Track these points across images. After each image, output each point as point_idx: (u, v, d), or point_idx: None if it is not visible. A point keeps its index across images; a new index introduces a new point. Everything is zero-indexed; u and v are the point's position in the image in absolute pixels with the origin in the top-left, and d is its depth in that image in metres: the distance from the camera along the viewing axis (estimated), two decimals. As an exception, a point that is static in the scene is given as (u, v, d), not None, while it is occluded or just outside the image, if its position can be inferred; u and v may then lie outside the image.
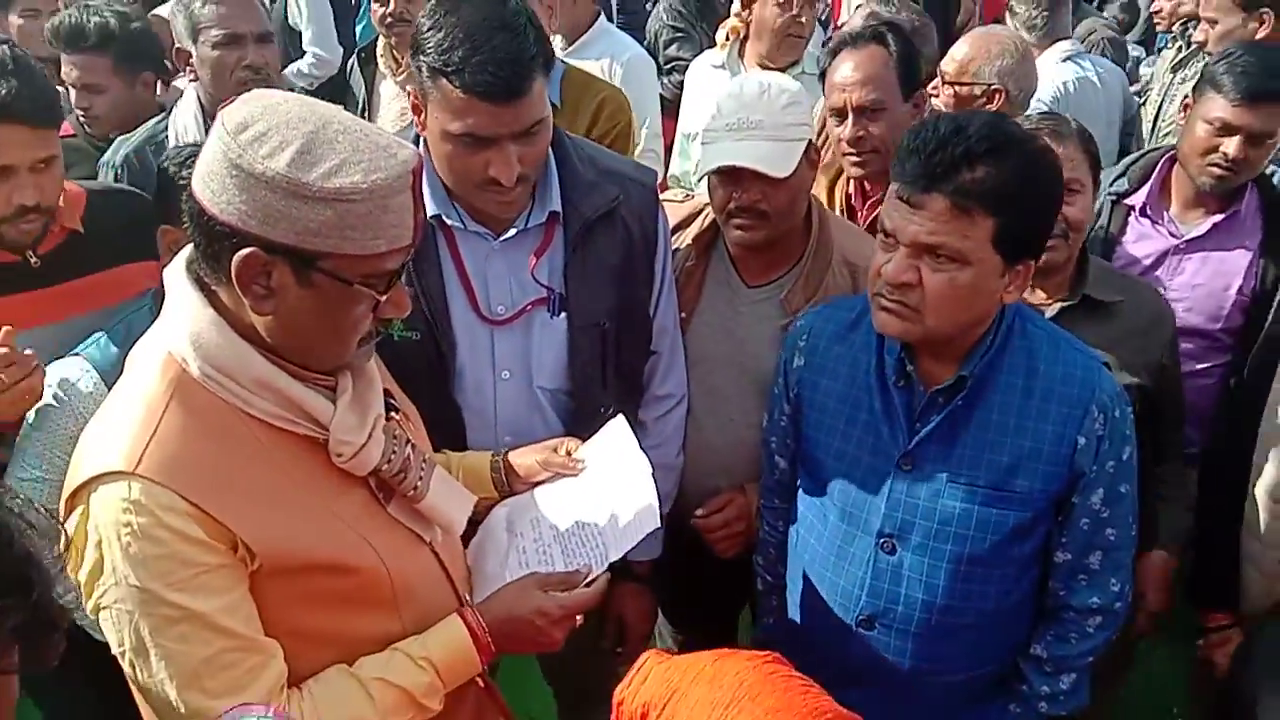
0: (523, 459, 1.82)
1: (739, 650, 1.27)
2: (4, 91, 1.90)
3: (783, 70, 3.43)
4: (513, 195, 1.82)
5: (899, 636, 1.81)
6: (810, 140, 2.09)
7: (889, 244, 1.67)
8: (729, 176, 2.03)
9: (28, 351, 1.82)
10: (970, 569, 1.76)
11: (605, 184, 1.97)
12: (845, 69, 2.50)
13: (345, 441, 1.39)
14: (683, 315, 2.20)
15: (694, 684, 1.16)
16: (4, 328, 1.79)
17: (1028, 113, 2.75)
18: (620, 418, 1.87)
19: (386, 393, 1.51)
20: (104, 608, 1.31)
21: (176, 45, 2.80)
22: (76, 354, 1.93)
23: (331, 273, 1.28)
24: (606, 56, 3.70)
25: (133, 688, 1.39)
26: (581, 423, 2.00)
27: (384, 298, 1.34)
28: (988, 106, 2.92)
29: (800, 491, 1.97)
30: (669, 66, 4.57)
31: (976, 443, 1.73)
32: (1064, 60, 3.75)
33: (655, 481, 1.70)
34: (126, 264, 2.21)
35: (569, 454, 1.81)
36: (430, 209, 1.85)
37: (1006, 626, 1.84)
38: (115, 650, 1.34)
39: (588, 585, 1.60)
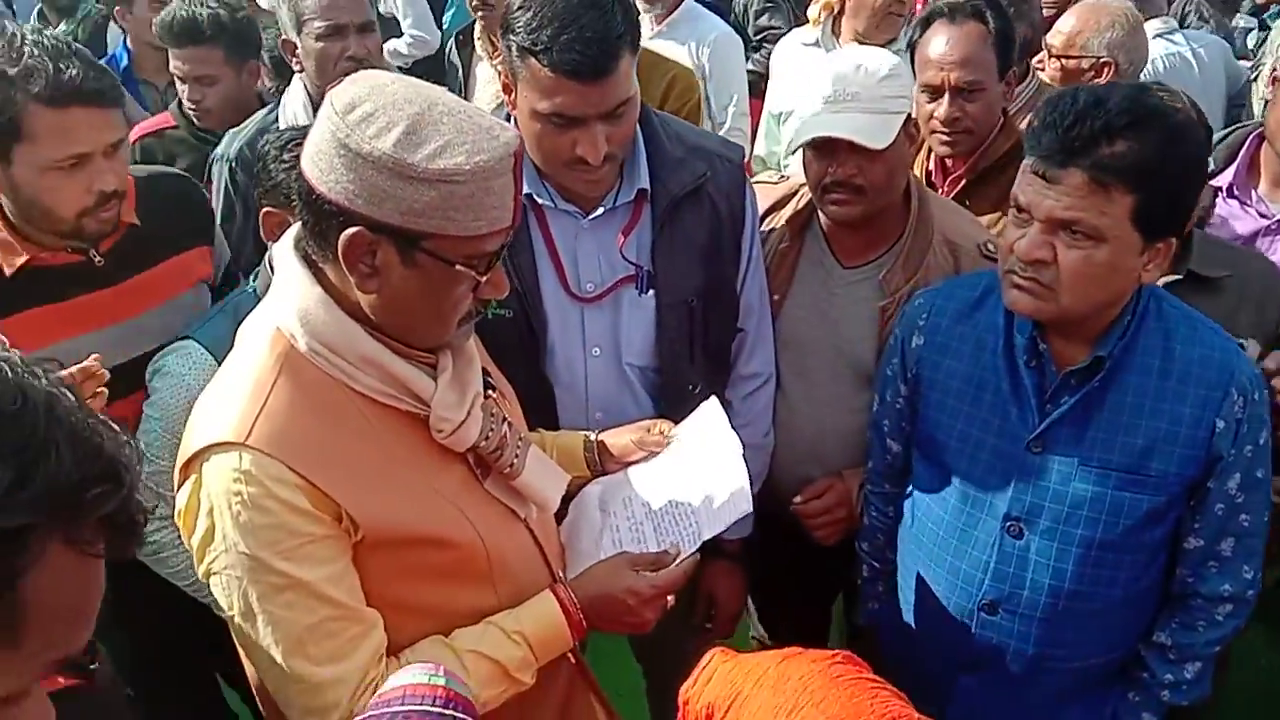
0: (616, 439, 1.83)
1: (807, 650, 1.25)
2: (74, 72, 1.82)
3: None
4: (600, 174, 1.84)
5: (1023, 622, 1.78)
6: (910, 114, 2.04)
7: (1022, 219, 1.62)
8: (824, 150, 2.00)
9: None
10: (1101, 554, 1.72)
11: (693, 160, 1.97)
12: (943, 45, 2.44)
13: (445, 418, 1.41)
14: (775, 298, 2.18)
15: (757, 687, 1.15)
16: (93, 355, 1.74)
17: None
18: (713, 399, 1.86)
19: (484, 372, 1.53)
20: (214, 573, 1.36)
21: (283, 36, 2.80)
22: (188, 336, 1.97)
23: (434, 253, 1.29)
24: (693, 38, 3.66)
25: (240, 651, 1.45)
26: (670, 400, 2.02)
27: (484, 279, 1.36)
28: (1096, 80, 2.85)
29: (916, 474, 1.94)
30: (759, 38, 4.54)
31: (1110, 425, 1.69)
32: (1155, 38, 3.64)
33: (745, 462, 1.69)
34: (183, 252, 2.19)
35: (662, 434, 1.81)
36: (522, 187, 1.88)
37: (1133, 613, 1.80)
38: (225, 614, 1.39)
39: (678, 565, 1.59)
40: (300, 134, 1.84)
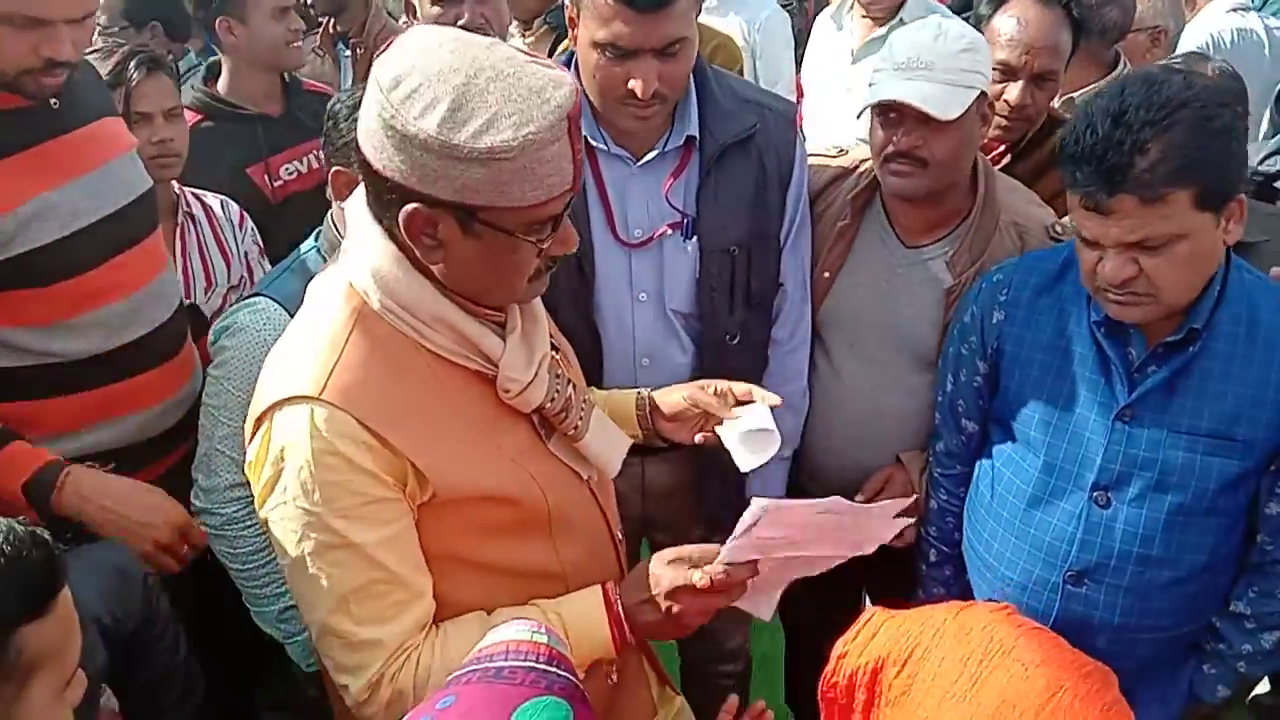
0: (668, 396, 1.79)
1: (976, 603, 1.22)
2: None
3: (882, 23, 3.40)
4: (650, 112, 1.86)
5: (1109, 592, 1.79)
6: (984, 92, 1.99)
7: (1094, 246, 1.64)
8: (890, 118, 1.97)
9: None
10: (1188, 520, 1.74)
11: (744, 112, 2.00)
12: (1031, 27, 2.33)
13: (513, 379, 1.41)
14: (826, 274, 2.16)
15: (937, 637, 1.11)
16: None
17: (1172, 57, 2.72)
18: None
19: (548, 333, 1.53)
20: (273, 521, 1.38)
21: None
22: (261, 293, 1.94)
23: (493, 224, 1.27)
24: (744, 15, 3.65)
25: (292, 595, 1.48)
26: (711, 348, 2.07)
27: (546, 242, 1.33)
28: (1153, 50, 2.88)
29: (994, 450, 1.95)
30: None
31: (1199, 392, 1.71)
32: (1229, 11, 3.65)
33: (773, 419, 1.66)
34: (113, 116, 2.14)
35: (716, 392, 1.74)
36: None
37: (1215, 581, 1.82)
38: (280, 560, 1.41)
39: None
40: None
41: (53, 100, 1.93)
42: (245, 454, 1.43)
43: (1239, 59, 3.39)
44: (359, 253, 1.38)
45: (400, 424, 1.33)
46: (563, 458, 1.52)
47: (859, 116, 2.07)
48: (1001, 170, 2.37)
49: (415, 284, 1.35)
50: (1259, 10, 3.90)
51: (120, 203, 2.02)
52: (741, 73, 3.15)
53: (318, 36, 3.74)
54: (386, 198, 1.29)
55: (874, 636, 1.14)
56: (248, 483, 1.79)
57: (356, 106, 1.82)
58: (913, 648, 1.08)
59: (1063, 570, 1.81)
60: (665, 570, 1.44)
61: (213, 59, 3.09)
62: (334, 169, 1.92)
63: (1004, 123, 2.41)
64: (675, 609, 1.43)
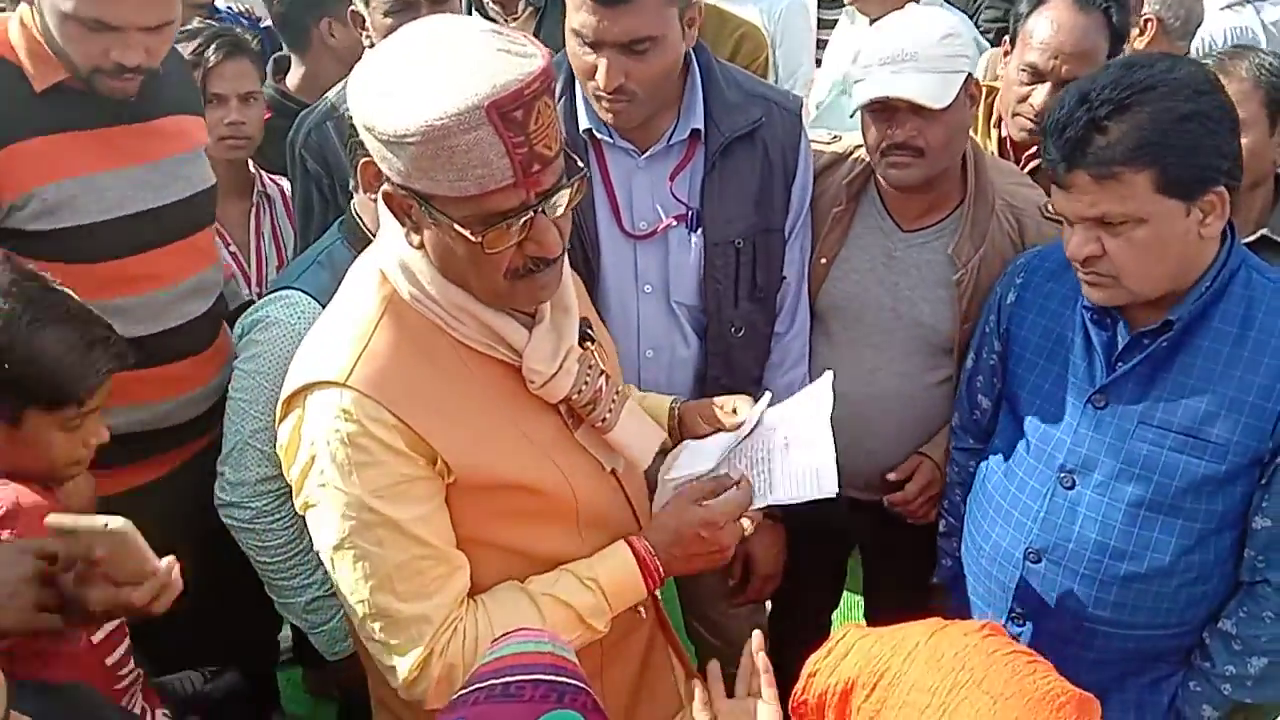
0: (691, 412, 1.83)
1: (952, 622, 1.17)
2: None
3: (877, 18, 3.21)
4: (619, 107, 1.86)
5: (1066, 575, 1.79)
6: (970, 73, 1.99)
7: (1065, 219, 1.68)
8: (882, 112, 1.98)
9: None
10: (1149, 515, 1.72)
11: (749, 106, 2.00)
12: (1067, 32, 2.28)
13: (537, 370, 1.43)
14: (822, 260, 2.17)
15: (908, 662, 1.07)
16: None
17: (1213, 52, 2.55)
18: (829, 375, 1.80)
19: (585, 321, 1.54)
20: (311, 506, 1.41)
21: (352, 7, 2.56)
22: (292, 286, 1.96)
23: (442, 212, 1.27)
24: (760, 5, 3.55)
25: (333, 585, 1.47)
26: (715, 341, 2.09)
27: (488, 237, 1.28)
28: (1139, 38, 2.68)
29: (999, 428, 1.99)
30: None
31: (1176, 386, 1.69)
32: (1223, 9, 3.37)
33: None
34: (188, 114, 2.18)
35: (734, 412, 1.77)
36: (583, 122, 1.97)
37: (1187, 588, 1.76)
38: (318, 547, 1.43)
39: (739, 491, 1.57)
40: None
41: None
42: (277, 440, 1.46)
43: (1238, 55, 3.12)
44: (388, 241, 1.41)
45: (425, 411, 1.35)
46: (589, 448, 1.54)
47: (851, 116, 2.09)
48: (1028, 172, 2.34)
49: (435, 274, 1.37)
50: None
51: (170, 198, 2.08)
52: (766, 62, 3.06)
53: None
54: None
55: (845, 656, 1.11)
56: (278, 475, 1.77)
57: None
58: (883, 671, 1.06)
59: (1023, 546, 1.83)
60: (687, 510, 1.54)
61: (279, 54, 3.13)
62: (363, 160, 1.99)
63: (1030, 125, 2.35)
64: (703, 540, 1.52)
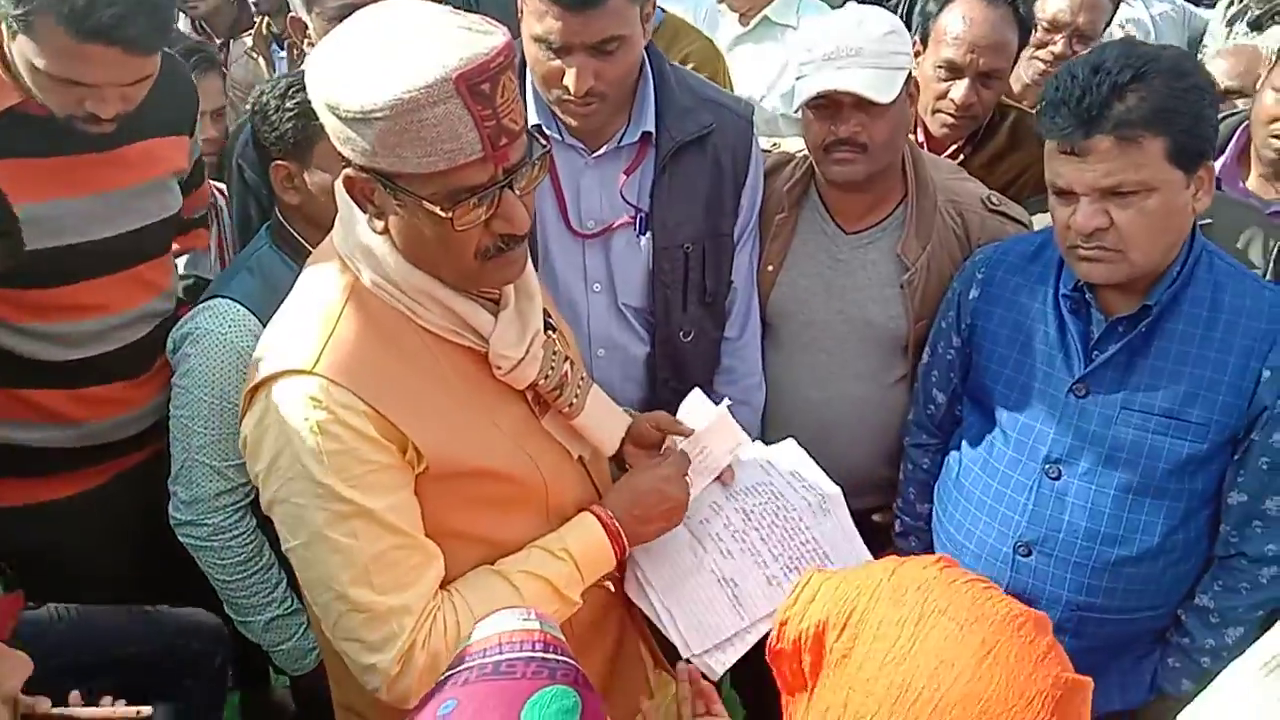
0: (639, 423, 1.76)
1: (908, 557, 1.22)
2: (115, 10, 1.66)
3: (746, 20, 3.29)
4: (588, 110, 1.85)
5: (1058, 565, 1.81)
6: (910, 72, 2.00)
7: (1067, 198, 1.68)
8: (826, 108, 1.98)
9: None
10: (1137, 499, 1.75)
11: (700, 111, 2.00)
12: (978, 26, 2.33)
13: (503, 355, 1.41)
14: (769, 268, 2.16)
15: (874, 600, 1.09)
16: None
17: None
18: (695, 392, 1.83)
19: (544, 311, 1.54)
20: (280, 501, 1.35)
21: (292, 14, 2.54)
22: (220, 295, 1.91)
23: (409, 191, 1.25)
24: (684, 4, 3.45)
25: (302, 587, 1.43)
26: (664, 344, 2.07)
27: (467, 214, 1.27)
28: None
29: (965, 425, 1.99)
30: None
31: (1154, 371, 1.73)
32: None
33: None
34: (168, 136, 2.09)
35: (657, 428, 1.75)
36: (532, 118, 1.94)
37: (1172, 568, 1.81)
38: (287, 546, 1.38)
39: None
40: (297, 79, 1.87)
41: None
42: (229, 454, 1.44)
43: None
44: (348, 229, 1.38)
45: (394, 398, 1.33)
46: (556, 435, 1.53)
47: (796, 111, 2.07)
48: (959, 165, 2.38)
49: (400, 259, 1.35)
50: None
51: (116, 229, 1.98)
52: (719, 74, 2.99)
53: (250, 37, 3.75)
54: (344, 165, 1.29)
55: (813, 600, 1.13)
56: (232, 489, 1.89)
57: (286, 94, 1.88)
58: (851, 610, 1.08)
59: (1013, 540, 1.84)
60: (641, 472, 1.60)
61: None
62: (273, 163, 1.91)
63: (951, 120, 2.40)
64: (660, 495, 1.57)
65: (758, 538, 1.67)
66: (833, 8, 3.33)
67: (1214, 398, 1.70)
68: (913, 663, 0.99)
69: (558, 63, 1.79)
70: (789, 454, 1.79)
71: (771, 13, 3.29)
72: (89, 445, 2.06)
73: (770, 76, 3.24)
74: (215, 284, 2.01)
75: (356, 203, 1.32)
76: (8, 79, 1.82)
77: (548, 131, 1.96)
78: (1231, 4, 3.92)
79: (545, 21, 1.75)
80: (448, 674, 1.07)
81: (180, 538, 1.95)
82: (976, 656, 0.98)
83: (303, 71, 1.89)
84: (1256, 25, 3.80)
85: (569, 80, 1.78)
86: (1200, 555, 1.83)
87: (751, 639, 1.61)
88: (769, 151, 2.24)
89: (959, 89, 2.36)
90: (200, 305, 1.92)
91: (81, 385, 2.01)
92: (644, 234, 2.01)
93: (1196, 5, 4.33)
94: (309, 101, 1.78)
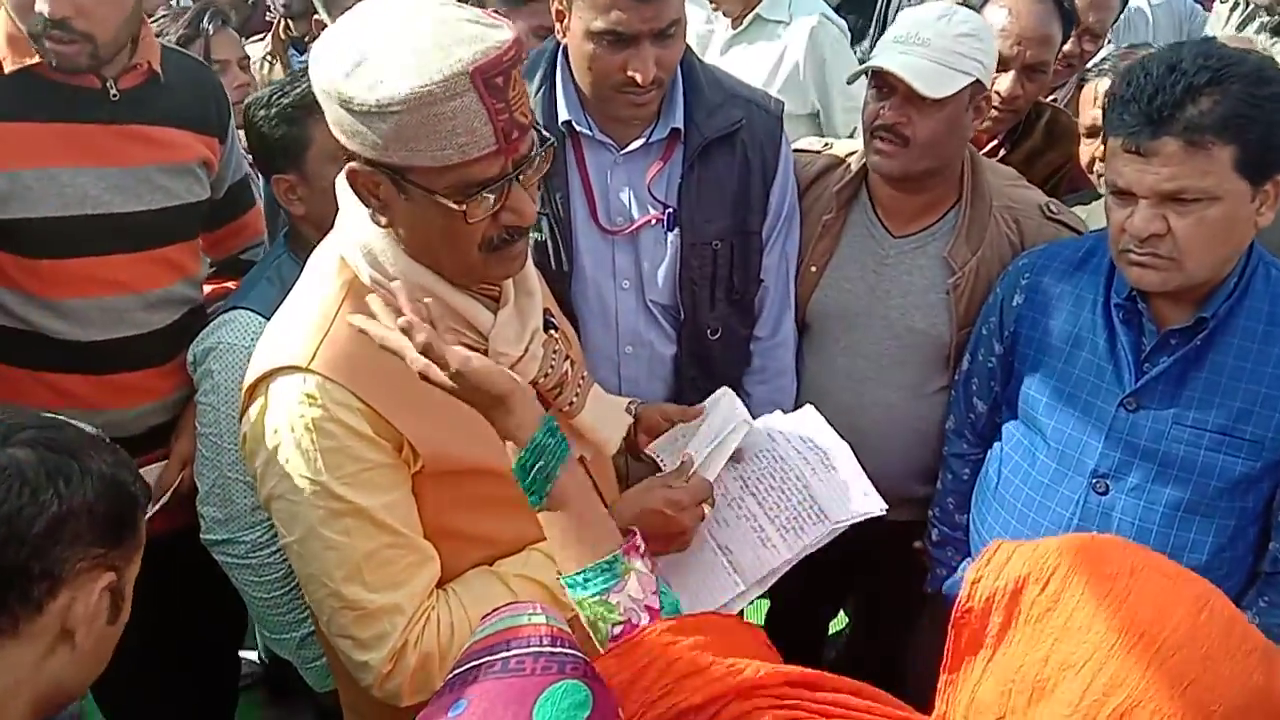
0: (650, 413, 1.79)
1: (1095, 534, 1.19)
2: None
3: (737, 21, 3.24)
4: (646, 98, 1.87)
5: (1103, 582, 1.77)
6: (980, 81, 1.95)
7: (1125, 199, 1.62)
8: (880, 89, 1.97)
9: None
10: (1187, 516, 1.71)
11: (730, 107, 1.99)
12: (1026, 18, 2.32)
13: (502, 352, 1.39)
14: (813, 269, 2.14)
15: (1077, 558, 1.09)
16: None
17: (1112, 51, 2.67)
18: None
19: (545, 310, 1.52)
20: (276, 497, 1.36)
21: (316, 16, 2.67)
22: (236, 306, 1.91)
23: (419, 184, 1.24)
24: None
25: (300, 580, 1.44)
26: (691, 341, 2.07)
27: (477, 206, 1.26)
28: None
29: (1006, 434, 1.95)
30: None
31: (1208, 385, 1.68)
32: None
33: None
34: (197, 131, 2.09)
35: (665, 417, 1.77)
36: (562, 114, 1.94)
37: (1219, 585, 1.76)
38: (283, 542, 1.40)
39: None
40: (278, 88, 1.87)
41: (112, 91, 1.92)
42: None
43: (1127, 37, 3.36)
44: (348, 227, 1.38)
45: (390, 396, 1.32)
46: None
47: (851, 82, 2.08)
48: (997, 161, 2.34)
49: (400, 256, 1.34)
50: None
51: (142, 206, 1.97)
52: None
53: (260, 41, 3.70)
54: (347, 159, 1.28)
55: (1009, 561, 1.11)
56: None
57: (270, 103, 1.85)
58: (1055, 567, 1.07)
59: (1057, 556, 1.79)
60: (654, 489, 1.54)
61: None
62: (273, 178, 1.90)
63: (994, 114, 2.37)
64: (666, 519, 1.51)
65: (754, 503, 1.66)
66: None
67: (1270, 415, 1.65)
68: (1130, 609, 0.98)
69: (620, 55, 1.79)
70: (799, 418, 1.77)
71: (763, 10, 3.25)
72: (118, 437, 1.95)
73: (765, 73, 3.19)
74: (235, 294, 2.00)
75: (360, 197, 1.30)
76: (24, 37, 1.82)
77: (578, 127, 1.95)
78: (1236, 6, 3.88)
79: (612, 14, 1.75)
80: (455, 672, 1.05)
81: (217, 558, 1.92)
82: (1195, 606, 0.98)
83: (285, 80, 1.91)
84: (1278, 31, 3.76)
85: (635, 69, 1.79)
86: (1245, 571, 1.79)
87: (746, 600, 1.60)
88: (818, 153, 2.21)
89: (1004, 81, 2.35)
90: (220, 318, 1.91)
91: (104, 370, 2.00)
92: (672, 231, 1.99)
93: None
94: (290, 107, 1.82)
